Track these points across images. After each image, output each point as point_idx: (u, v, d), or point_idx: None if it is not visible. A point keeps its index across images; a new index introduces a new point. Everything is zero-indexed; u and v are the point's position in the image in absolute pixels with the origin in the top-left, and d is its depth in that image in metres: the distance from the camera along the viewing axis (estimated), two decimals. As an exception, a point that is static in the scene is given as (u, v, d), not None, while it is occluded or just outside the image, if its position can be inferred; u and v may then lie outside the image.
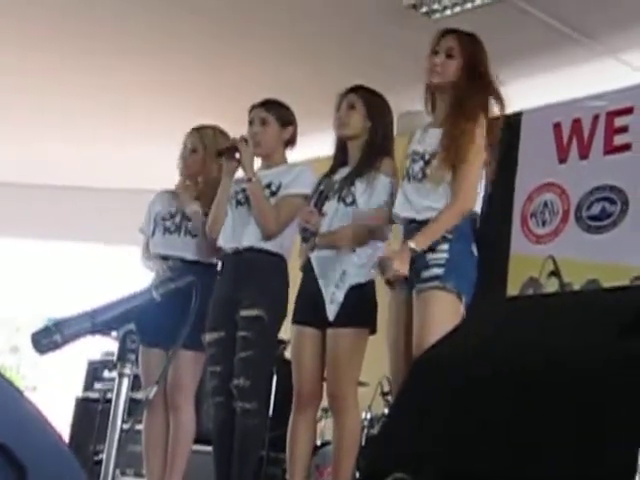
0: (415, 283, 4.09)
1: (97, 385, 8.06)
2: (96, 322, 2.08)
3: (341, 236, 4.52)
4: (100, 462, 2.19)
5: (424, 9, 6.36)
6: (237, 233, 4.84)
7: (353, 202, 4.54)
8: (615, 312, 1.79)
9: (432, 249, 4.08)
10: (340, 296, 4.41)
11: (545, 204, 7.12)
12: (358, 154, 4.64)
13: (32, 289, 10.94)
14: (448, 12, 6.34)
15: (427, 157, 4.19)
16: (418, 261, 4.08)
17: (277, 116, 4.94)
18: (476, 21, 6.05)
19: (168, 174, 5.49)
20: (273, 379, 6.10)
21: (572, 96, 7.09)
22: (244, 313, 4.66)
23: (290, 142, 5.02)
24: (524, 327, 1.86)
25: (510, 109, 6.82)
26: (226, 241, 4.88)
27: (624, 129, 6.74)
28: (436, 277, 4.03)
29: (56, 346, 2.01)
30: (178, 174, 5.39)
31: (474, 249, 4.17)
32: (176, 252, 5.18)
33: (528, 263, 6.70)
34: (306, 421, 4.53)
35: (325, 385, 4.56)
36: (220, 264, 5.09)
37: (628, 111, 6.73)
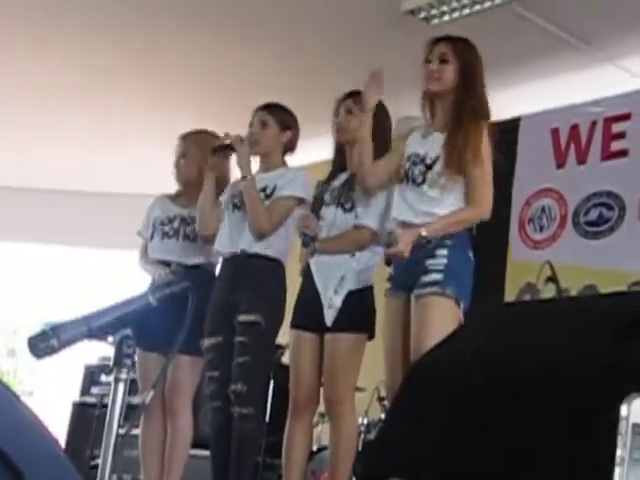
0: (414, 288, 4.09)
1: (94, 389, 8.05)
2: (92, 327, 2.08)
3: (341, 241, 4.53)
4: (96, 467, 2.19)
5: (422, 15, 6.37)
6: (234, 237, 4.84)
7: (352, 208, 4.55)
8: (611, 318, 1.79)
9: (431, 255, 4.08)
10: (338, 301, 4.42)
11: (543, 209, 7.12)
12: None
13: (30, 292, 10.94)
14: (446, 18, 6.35)
15: (429, 161, 4.20)
16: (417, 266, 4.09)
17: (277, 119, 4.95)
18: (474, 27, 6.06)
19: (167, 179, 5.49)
20: (270, 384, 6.10)
21: (570, 102, 7.10)
22: (242, 318, 4.66)
23: (289, 147, 5.01)
24: (521, 333, 1.86)
25: (508, 114, 6.88)
26: (223, 245, 4.87)
27: (621, 135, 6.74)
28: (435, 282, 4.03)
29: (53, 351, 2.01)
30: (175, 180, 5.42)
31: (471, 255, 4.18)
32: (174, 257, 5.19)
33: (525, 268, 6.71)
34: (303, 426, 4.53)
35: (322, 390, 4.56)
36: (219, 268, 5.10)
37: (625, 117, 6.74)
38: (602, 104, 6.94)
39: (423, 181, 4.19)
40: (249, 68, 7.57)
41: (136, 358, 4.97)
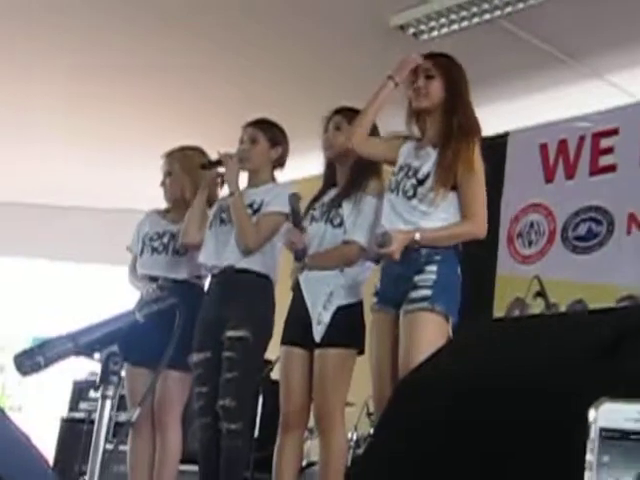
0: (402, 304, 4.10)
1: (82, 405, 8.02)
2: (79, 344, 2.08)
3: (330, 257, 4.53)
4: (85, 483, 2.19)
5: (411, 30, 6.39)
6: (219, 251, 4.85)
7: (341, 224, 4.55)
8: (597, 333, 1.79)
9: (420, 270, 4.09)
10: (327, 317, 4.42)
11: (531, 224, 7.14)
12: (346, 175, 4.66)
13: (17, 308, 10.90)
14: (435, 33, 6.37)
15: (421, 176, 4.21)
16: (405, 282, 4.10)
17: (267, 135, 4.96)
18: (463, 42, 6.09)
19: (156, 194, 5.50)
20: (259, 400, 6.09)
21: (558, 117, 7.12)
22: (229, 333, 4.66)
23: (279, 162, 5.03)
24: (508, 349, 1.86)
25: (496, 130, 6.91)
26: (208, 258, 4.89)
27: (609, 150, 6.77)
28: (424, 298, 4.04)
29: (39, 368, 2.01)
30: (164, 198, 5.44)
31: (459, 271, 4.19)
32: (163, 272, 5.19)
33: (514, 283, 6.71)
34: (293, 442, 4.53)
35: (312, 405, 4.56)
36: (207, 284, 5.10)
37: (613, 132, 6.76)
38: (590, 119, 6.97)
39: (414, 195, 4.20)
40: (238, 84, 7.58)
41: (124, 373, 4.97)
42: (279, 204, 4.77)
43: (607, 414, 1.22)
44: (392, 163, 4.47)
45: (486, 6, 6.00)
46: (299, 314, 4.52)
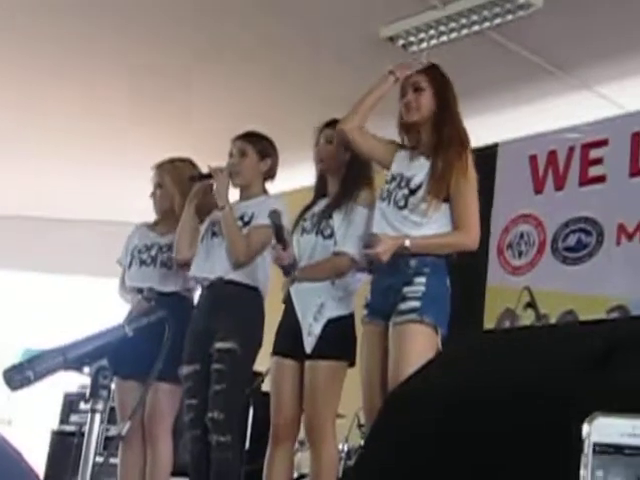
0: (391, 315, 4.10)
1: (73, 418, 8.00)
2: (68, 358, 2.07)
3: (320, 268, 4.53)
4: (74, 497, 2.18)
5: (401, 42, 6.40)
6: (210, 264, 4.85)
7: (331, 235, 4.55)
8: (588, 345, 1.79)
9: (409, 282, 4.09)
10: (317, 329, 4.41)
11: (521, 235, 7.15)
12: (337, 187, 4.66)
13: (8, 320, 10.88)
14: (424, 45, 6.38)
15: (412, 186, 4.21)
16: (394, 294, 4.10)
17: (256, 148, 4.96)
18: (452, 54, 6.11)
19: (148, 206, 5.49)
20: (250, 411, 6.08)
21: (547, 128, 7.14)
22: (218, 345, 4.66)
23: (269, 174, 5.03)
24: (498, 361, 1.86)
25: (486, 141, 6.92)
26: (199, 271, 4.88)
27: (599, 161, 6.79)
28: (413, 310, 4.04)
29: (29, 382, 2.01)
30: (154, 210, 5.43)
31: (448, 282, 4.19)
32: (151, 284, 5.18)
33: (504, 294, 6.72)
34: (284, 453, 4.52)
35: (303, 417, 4.55)
36: (197, 297, 5.09)
37: (603, 143, 6.78)
38: (579, 130, 6.99)
39: (405, 205, 4.21)
40: (229, 96, 7.59)
41: (114, 386, 4.95)
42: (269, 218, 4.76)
43: (601, 429, 1.22)
44: (381, 164, 4.48)
45: (475, 18, 6.01)
46: (290, 325, 4.52)
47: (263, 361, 4.91)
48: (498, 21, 6.01)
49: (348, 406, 5.53)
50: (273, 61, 6.99)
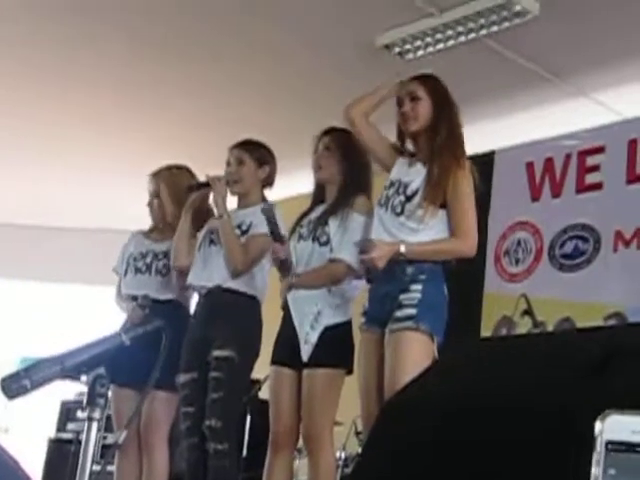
0: (388, 323, 4.09)
1: (70, 425, 7.97)
2: (65, 367, 2.07)
3: (317, 276, 4.53)
4: (71, 505, 2.18)
5: (397, 50, 6.41)
6: (208, 272, 4.84)
7: (327, 242, 4.54)
8: (586, 352, 1.79)
9: (405, 289, 4.09)
10: (314, 337, 4.41)
11: (518, 242, 7.15)
12: (334, 194, 4.65)
13: (5, 329, 10.86)
14: (421, 52, 6.38)
15: (409, 193, 4.21)
16: (391, 301, 4.10)
17: (254, 156, 4.96)
18: (448, 62, 6.11)
19: (143, 214, 5.49)
20: (247, 419, 6.07)
21: (544, 135, 7.15)
22: (215, 353, 4.65)
23: (267, 182, 5.03)
24: (495, 369, 1.86)
25: (483, 148, 6.92)
26: (196, 279, 4.88)
27: (596, 168, 6.79)
28: (409, 317, 4.03)
29: (25, 391, 2.01)
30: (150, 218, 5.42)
31: (445, 290, 4.19)
32: (147, 292, 5.16)
33: (501, 301, 6.72)
34: (282, 461, 4.51)
35: (301, 425, 4.54)
36: (194, 305, 5.09)
37: (599, 150, 6.79)
38: (576, 137, 6.99)
39: (401, 212, 4.20)
40: (225, 104, 7.59)
41: (110, 394, 4.94)
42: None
43: (613, 426, 1.21)
44: (380, 163, 4.48)
45: (471, 26, 6.02)
46: (288, 334, 4.51)
47: (261, 369, 4.90)
48: (495, 29, 6.02)
49: (346, 414, 5.52)
50: (269, 69, 6.99)
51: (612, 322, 6.08)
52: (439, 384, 1.91)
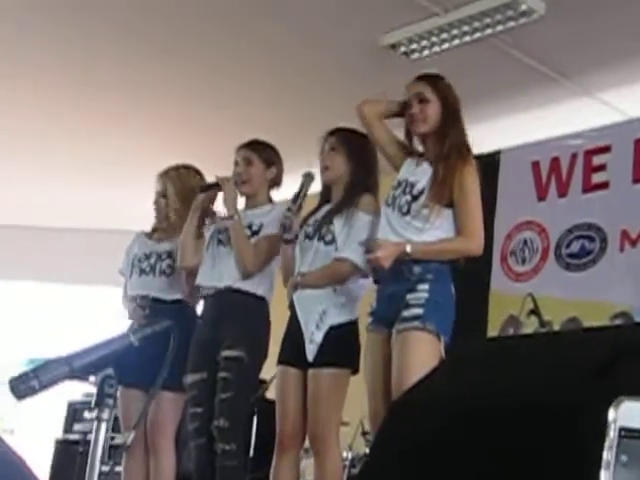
0: (395, 323, 4.09)
1: (77, 426, 7.98)
2: (74, 367, 2.07)
3: (322, 275, 4.52)
4: (79, 505, 2.19)
5: (402, 49, 6.41)
6: (217, 272, 4.84)
7: (332, 241, 4.54)
8: (593, 352, 1.79)
9: (412, 289, 4.09)
10: (319, 336, 4.40)
11: (524, 242, 7.14)
12: (340, 194, 4.65)
13: (10, 330, 10.88)
14: (426, 52, 6.38)
15: (415, 192, 4.22)
16: (398, 301, 4.10)
17: (262, 156, 4.96)
18: (454, 61, 6.11)
19: (147, 214, 5.49)
20: (254, 420, 6.07)
21: (550, 135, 7.14)
22: (225, 354, 4.65)
23: (275, 182, 5.03)
24: (502, 369, 1.86)
25: (489, 148, 6.92)
26: (205, 279, 4.88)
27: (602, 167, 6.79)
28: (416, 317, 4.03)
29: (34, 392, 2.01)
30: (155, 218, 5.41)
31: (452, 289, 4.19)
32: (152, 292, 5.17)
33: (508, 301, 6.72)
34: (289, 462, 4.50)
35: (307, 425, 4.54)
36: (202, 305, 5.08)
37: (606, 149, 6.78)
38: (582, 137, 6.99)
39: (408, 211, 4.21)
40: (230, 104, 7.59)
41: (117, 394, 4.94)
42: (278, 226, 4.76)
43: (627, 413, 1.21)
44: (390, 161, 4.48)
45: (477, 25, 6.02)
46: (293, 334, 4.51)
47: (267, 369, 4.90)
48: (500, 28, 6.02)
49: (352, 414, 5.53)
50: (274, 69, 6.99)
51: (618, 322, 6.07)
52: (446, 384, 1.91)
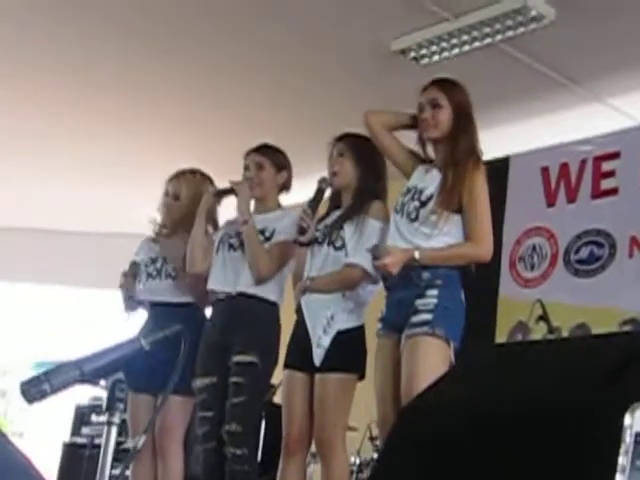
0: (404, 328, 4.09)
1: (85, 430, 8.00)
2: (85, 371, 2.08)
3: (332, 280, 4.52)
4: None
5: (412, 55, 6.41)
6: (230, 278, 4.84)
7: (342, 246, 4.54)
8: (603, 358, 1.79)
9: (421, 295, 4.09)
10: (326, 341, 4.40)
11: (533, 248, 7.14)
12: (349, 199, 4.66)
13: (18, 333, 10.90)
14: (436, 58, 6.38)
15: (424, 199, 4.22)
16: (407, 307, 4.10)
17: (272, 161, 4.97)
18: (464, 67, 6.11)
19: (147, 217, 5.46)
20: (261, 424, 6.07)
21: (559, 141, 7.13)
22: (237, 359, 4.65)
23: (285, 186, 5.03)
24: (511, 376, 1.86)
25: (498, 154, 6.91)
26: (218, 284, 4.87)
27: (611, 173, 6.78)
28: (425, 322, 4.03)
29: (45, 395, 2.01)
30: (161, 220, 5.39)
31: (462, 295, 4.18)
32: (159, 297, 5.17)
33: (517, 307, 6.71)
34: (296, 466, 4.50)
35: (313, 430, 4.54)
36: (211, 309, 5.07)
37: (615, 156, 6.78)
38: (591, 143, 6.98)
39: (416, 218, 4.20)
40: (238, 109, 7.60)
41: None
42: (292, 232, 4.76)
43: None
44: (400, 169, 4.48)
45: (487, 30, 6.01)
46: (300, 338, 4.51)
47: (275, 373, 4.90)
48: (510, 34, 6.02)
49: (360, 419, 5.53)
50: (283, 73, 7.00)
51: (628, 328, 6.06)
52: (456, 390, 1.91)
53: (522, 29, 5.94)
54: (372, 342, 4.40)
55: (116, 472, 2.14)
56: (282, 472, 4.48)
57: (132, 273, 5.29)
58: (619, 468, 1.20)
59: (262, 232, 4.84)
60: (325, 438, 4.42)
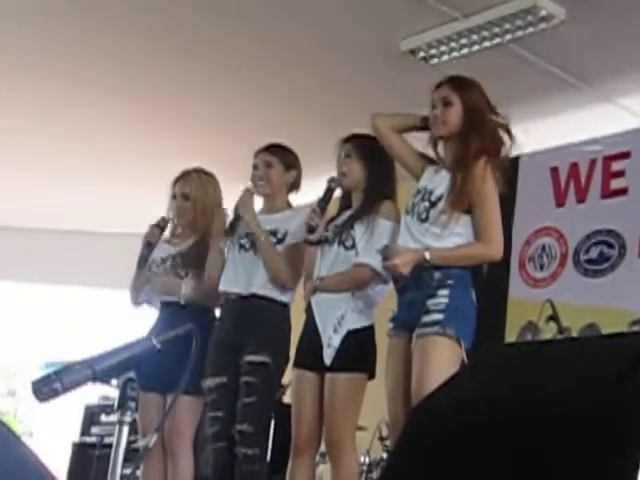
0: (415, 328, 4.09)
1: (94, 429, 8.01)
2: (96, 370, 2.08)
3: (342, 280, 4.52)
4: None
5: (422, 55, 6.40)
6: (241, 279, 4.83)
7: (353, 246, 4.54)
8: (613, 359, 1.79)
9: (432, 295, 4.08)
10: (337, 341, 4.41)
11: (543, 248, 7.13)
12: (360, 200, 4.66)
13: (28, 333, 10.92)
14: (445, 57, 6.38)
15: (433, 199, 4.21)
16: (418, 306, 4.10)
17: (281, 159, 4.97)
18: (473, 66, 6.09)
19: (152, 217, 5.46)
20: (271, 423, 6.07)
21: (569, 141, 7.12)
22: (249, 358, 4.66)
23: (294, 186, 5.03)
24: (522, 376, 1.86)
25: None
26: (228, 285, 4.87)
27: (621, 173, 6.77)
28: (436, 322, 4.03)
29: (56, 394, 2.02)
30: (170, 221, 5.39)
31: (473, 295, 4.17)
32: (170, 296, 5.17)
33: (526, 307, 6.70)
34: (305, 466, 4.51)
35: (323, 430, 4.54)
36: (221, 309, 5.08)
37: (625, 155, 6.77)
38: (601, 143, 6.97)
39: (426, 218, 4.20)
40: (249, 109, 7.60)
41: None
42: (303, 234, 4.75)
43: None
44: (410, 172, 4.47)
45: (496, 30, 6.01)
46: (311, 337, 4.52)
47: (284, 373, 4.90)
48: (520, 34, 6.01)
49: (370, 418, 5.52)
50: (293, 73, 7.00)
51: (637, 328, 6.05)
52: (467, 390, 1.91)
53: (532, 29, 5.93)
54: (383, 342, 4.40)
55: (127, 472, 2.14)
56: (291, 472, 4.48)
57: (161, 227, 5.29)
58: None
59: (274, 233, 4.83)
60: (335, 438, 4.43)
